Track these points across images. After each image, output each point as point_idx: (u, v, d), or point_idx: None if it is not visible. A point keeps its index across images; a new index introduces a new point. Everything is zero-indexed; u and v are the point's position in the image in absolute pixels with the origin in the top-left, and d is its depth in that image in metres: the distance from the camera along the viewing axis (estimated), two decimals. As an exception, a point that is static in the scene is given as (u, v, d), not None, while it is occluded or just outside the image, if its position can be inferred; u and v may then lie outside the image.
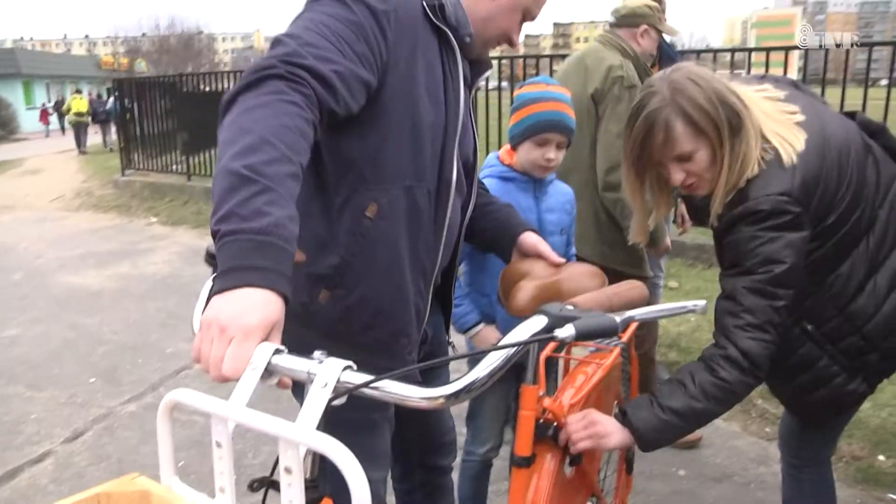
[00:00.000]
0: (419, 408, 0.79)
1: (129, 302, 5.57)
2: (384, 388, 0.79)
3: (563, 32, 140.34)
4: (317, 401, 0.75)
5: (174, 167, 10.59)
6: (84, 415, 3.64)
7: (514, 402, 2.19)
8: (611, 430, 1.50)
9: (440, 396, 0.79)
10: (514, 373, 1.50)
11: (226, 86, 10.09)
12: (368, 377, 0.77)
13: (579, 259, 2.86)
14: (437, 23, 1.39)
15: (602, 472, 2.01)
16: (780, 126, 1.56)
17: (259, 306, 0.87)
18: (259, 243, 0.91)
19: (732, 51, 6.27)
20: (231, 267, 0.90)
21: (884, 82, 5.69)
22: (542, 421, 1.48)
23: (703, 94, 1.50)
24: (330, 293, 1.38)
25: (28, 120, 31.60)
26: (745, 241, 1.52)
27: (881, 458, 2.97)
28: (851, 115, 1.78)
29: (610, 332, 0.87)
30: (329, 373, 0.77)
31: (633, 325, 1.88)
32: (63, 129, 28.40)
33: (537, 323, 0.88)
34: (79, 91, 23.89)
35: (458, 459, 2.35)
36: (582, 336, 0.85)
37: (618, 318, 0.88)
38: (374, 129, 1.32)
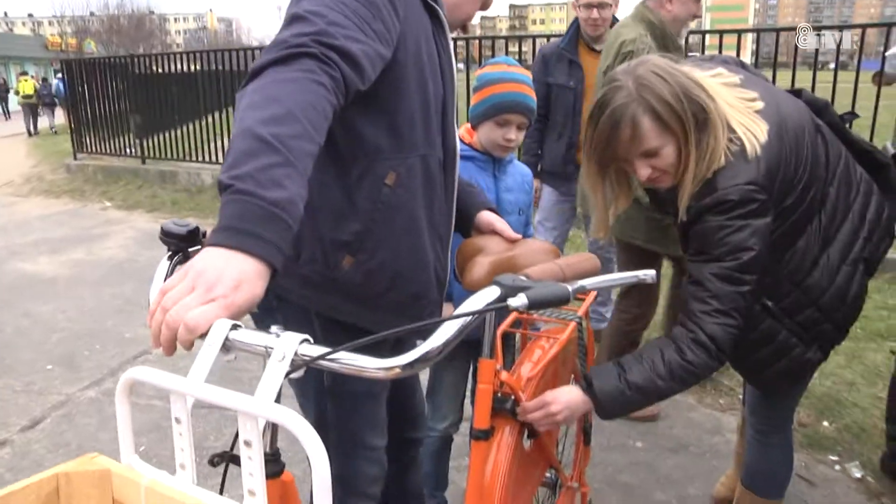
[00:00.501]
0: (377, 378, 0.81)
1: (84, 288, 5.47)
2: (341, 360, 0.80)
3: (519, 14, 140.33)
4: (274, 374, 0.77)
5: (128, 150, 10.37)
6: (42, 402, 3.59)
7: (473, 378, 2.22)
8: (564, 407, 1.56)
9: (395, 366, 0.81)
10: (472, 349, 1.55)
11: (179, 67, 9.88)
12: (325, 349, 0.79)
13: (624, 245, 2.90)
14: (431, 1, 1.45)
15: (560, 444, 2.06)
16: (743, 116, 1.58)
17: (251, 283, 0.86)
18: (270, 214, 0.90)
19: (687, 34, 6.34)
20: (235, 227, 0.89)
21: (832, 66, 5.84)
22: (499, 394, 1.51)
23: (670, 88, 1.49)
24: (353, 258, 1.42)
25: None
26: (713, 231, 1.54)
27: (825, 424, 3.09)
28: (797, 94, 1.83)
29: (562, 300, 0.90)
30: (286, 346, 0.78)
31: (589, 300, 1.93)
32: (7, 113, 27.40)
33: (491, 293, 0.90)
34: (25, 73, 23.16)
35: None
36: (535, 305, 0.88)
37: (570, 287, 0.90)
38: (390, 102, 1.36)
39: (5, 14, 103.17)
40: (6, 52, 38.79)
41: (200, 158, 9.34)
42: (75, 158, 11.01)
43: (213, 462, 0.88)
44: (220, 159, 8.99)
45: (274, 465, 0.89)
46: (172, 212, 8.16)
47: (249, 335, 0.81)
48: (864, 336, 3.91)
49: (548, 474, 1.90)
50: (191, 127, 9.49)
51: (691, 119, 1.50)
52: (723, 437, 3.04)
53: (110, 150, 10.61)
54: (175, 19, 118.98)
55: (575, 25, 3.55)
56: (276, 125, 0.97)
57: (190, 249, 1.10)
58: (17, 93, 20.56)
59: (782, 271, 1.70)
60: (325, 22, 1.13)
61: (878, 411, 3.06)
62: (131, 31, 51.89)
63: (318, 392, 1.58)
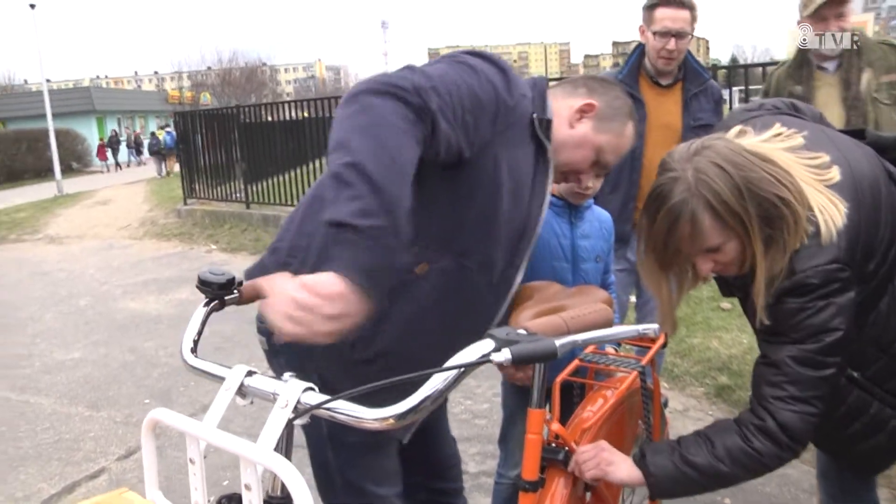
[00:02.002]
0: (371, 428, 0.81)
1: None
2: (338, 409, 0.81)
3: (622, 51, 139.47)
4: (277, 421, 0.78)
5: (234, 196, 10.90)
6: (137, 434, 3.76)
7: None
8: (618, 463, 1.48)
9: (389, 417, 0.81)
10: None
11: (286, 115, 10.37)
12: (324, 398, 0.80)
13: None
14: (540, 136, 1.46)
15: (628, 499, 1.97)
16: (820, 195, 1.42)
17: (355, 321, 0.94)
18: (388, 264, 1.01)
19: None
20: (373, 270, 0.98)
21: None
22: (552, 445, 1.47)
23: (731, 184, 1.35)
24: None
25: (125, 152, 33.14)
26: (791, 314, 1.39)
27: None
28: (860, 135, 1.67)
29: (548, 356, 0.87)
30: (289, 393, 0.80)
31: (655, 348, 1.86)
32: (118, 164, 29.73)
33: (484, 346, 0.89)
34: (162, 127, 26.65)
35: (492, 481, 2.36)
36: (518, 360, 0.85)
37: (557, 342, 0.88)
38: (448, 198, 1.37)
39: (136, 73, 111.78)
40: (133, 107, 41.93)
41: (301, 203, 9.66)
42: (185, 203, 11.67)
43: (220, 503, 0.90)
44: (321, 203, 9.26)
45: (281, 508, 0.90)
46: (272, 254, 8.48)
47: (262, 381, 0.83)
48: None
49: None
50: (294, 173, 9.90)
51: (755, 217, 1.37)
52: (820, 496, 2.84)
53: (217, 196, 11.19)
54: (285, 69, 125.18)
55: (637, 53, 2.99)
56: (394, 175, 1.08)
57: (226, 297, 1.14)
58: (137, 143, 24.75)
59: (865, 337, 1.52)
60: (432, 85, 1.19)
61: None
62: (243, 83, 54.93)
63: (319, 439, 1.56)
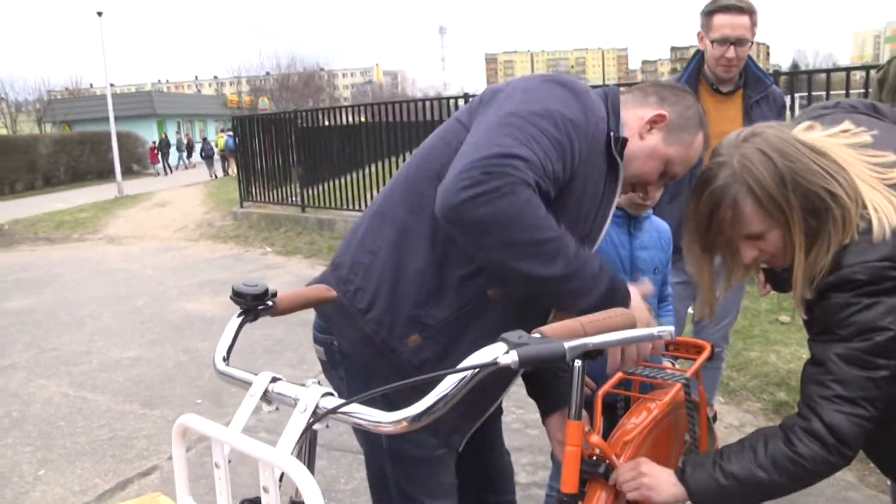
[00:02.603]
0: (385, 432, 0.81)
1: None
2: (353, 413, 0.81)
3: (680, 56, 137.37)
4: (296, 425, 0.78)
5: (290, 199, 11.08)
6: (189, 434, 3.83)
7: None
8: (659, 484, 1.44)
9: (402, 419, 0.81)
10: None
11: (343, 120, 10.49)
12: (340, 401, 0.80)
13: None
14: (615, 154, 1.46)
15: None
16: (875, 192, 1.39)
17: None
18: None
19: (848, 69, 5.93)
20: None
21: None
22: (593, 458, 1.44)
23: (775, 173, 1.35)
24: (421, 340, 1.43)
25: (175, 156, 34.05)
26: (838, 308, 1.35)
27: None
28: None
29: (556, 358, 0.86)
30: (308, 398, 0.80)
31: (701, 360, 1.80)
32: (168, 167, 30.47)
33: (496, 349, 0.87)
34: (223, 131, 27.87)
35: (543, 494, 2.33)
36: (526, 363, 0.84)
37: (567, 344, 0.86)
38: None
39: (196, 77, 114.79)
40: (193, 111, 43.06)
41: (358, 207, 9.80)
42: (241, 206, 11.91)
43: (242, 507, 0.90)
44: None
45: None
46: (328, 258, 8.52)
47: (285, 387, 0.83)
48: None
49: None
50: (350, 177, 10.01)
51: (797, 207, 1.35)
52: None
53: (273, 199, 11.39)
54: (343, 74, 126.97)
55: (696, 60, 2.91)
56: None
57: (260, 308, 1.15)
58: (215, 145, 26.48)
59: None
60: (530, 163, 1.25)
61: None
62: (301, 87, 55.87)
63: (378, 450, 1.58)
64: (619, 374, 1.71)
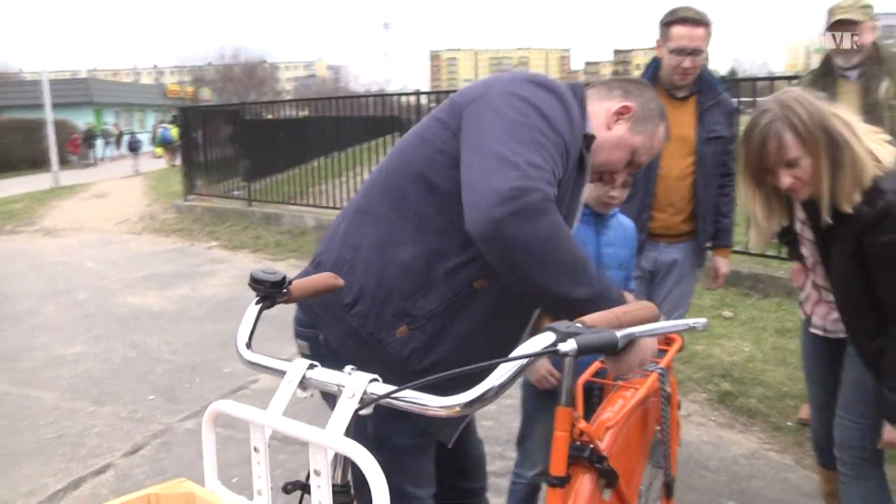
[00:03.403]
0: (438, 416, 0.84)
1: (188, 323, 5.75)
2: (406, 399, 0.84)
3: (623, 59, 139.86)
4: (345, 410, 0.81)
5: (235, 193, 10.91)
6: (143, 430, 3.78)
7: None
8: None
9: (455, 405, 0.84)
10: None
11: (287, 113, 10.42)
12: (391, 388, 0.82)
13: None
14: (583, 151, 1.52)
15: (643, 498, 2.01)
16: (873, 143, 1.82)
17: None
18: None
19: (789, 77, 6.20)
20: None
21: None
22: (577, 443, 1.50)
23: (806, 112, 1.78)
24: (409, 331, 1.46)
25: (101, 146, 32.91)
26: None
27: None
28: None
29: (610, 346, 0.92)
30: (356, 385, 0.82)
31: (672, 351, 1.89)
32: (94, 159, 29.52)
33: (545, 339, 0.92)
34: (173, 120, 27.14)
35: (509, 476, 2.39)
36: (583, 350, 0.89)
37: (618, 334, 0.92)
38: None
39: (134, 66, 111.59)
40: (132, 100, 41.79)
41: (304, 202, 9.72)
42: (185, 199, 11.67)
43: (286, 489, 0.93)
44: (324, 203, 9.35)
45: (343, 496, 0.93)
46: (275, 253, 8.49)
47: (324, 374, 0.86)
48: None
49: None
50: (296, 171, 9.92)
51: (822, 140, 1.76)
52: (821, 501, 2.87)
53: (218, 193, 11.20)
54: (286, 67, 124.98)
55: (653, 67, 3.05)
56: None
57: (277, 296, 1.17)
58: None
59: None
60: (544, 175, 1.29)
61: None
62: (244, 79, 54.82)
63: (363, 439, 1.59)
64: (597, 364, 1.78)
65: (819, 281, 2.21)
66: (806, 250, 2.19)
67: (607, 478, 1.58)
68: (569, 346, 0.89)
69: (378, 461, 1.57)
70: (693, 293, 3.34)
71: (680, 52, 2.85)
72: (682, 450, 2.59)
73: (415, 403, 0.84)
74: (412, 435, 1.54)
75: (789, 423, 3.56)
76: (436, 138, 1.46)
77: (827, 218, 1.80)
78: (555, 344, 0.90)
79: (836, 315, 2.12)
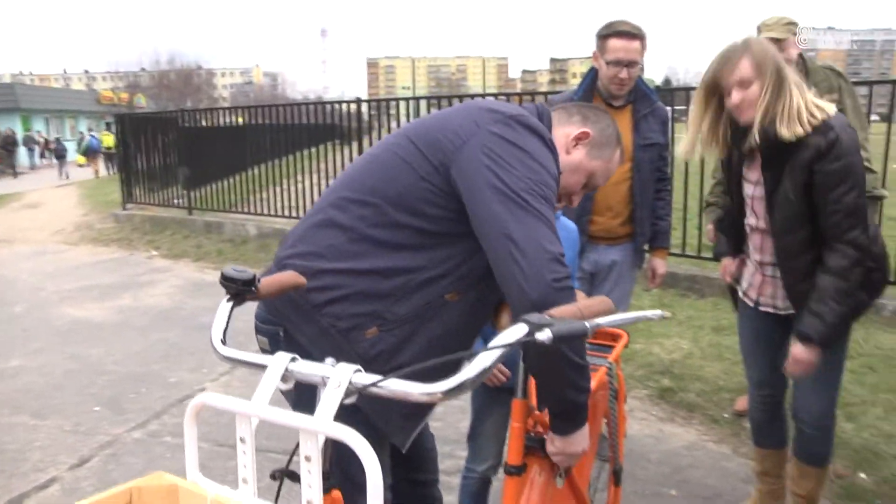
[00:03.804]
0: (420, 402, 0.90)
1: (131, 333, 5.65)
2: (389, 387, 0.90)
3: (559, 68, 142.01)
4: (331, 399, 0.86)
5: (175, 201, 10.73)
6: (89, 442, 3.71)
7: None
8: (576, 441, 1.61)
9: (437, 392, 0.90)
10: (512, 396, 1.63)
11: (226, 121, 10.32)
12: (376, 377, 0.88)
13: None
14: None
15: (592, 488, 2.11)
16: (817, 99, 2.16)
17: None
18: None
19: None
20: None
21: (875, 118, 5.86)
22: (532, 433, 1.58)
23: (766, 50, 2.12)
24: (378, 333, 1.50)
25: (25, 155, 31.77)
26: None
27: (862, 475, 3.07)
28: None
29: (582, 334, 0.99)
30: (341, 375, 0.88)
31: (620, 347, 2.00)
32: (14, 169, 28.57)
33: (520, 329, 0.99)
34: (108, 126, 27.39)
35: (460, 473, 2.45)
36: (558, 339, 0.96)
37: (587, 324, 0.99)
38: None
39: (64, 71, 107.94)
40: (63, 107, 40.41)
41: (245, 210, 9.63)
42: (124, 208, 11.41)
43: (273, 476, 0.98)
44: (265, 211, 9.30)
45: (326, 480, 0.98)
46: (217, 262, 8.39)
47: (307, 366, 0.91)
48: (903, 389, 3.88)
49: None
50: (236, 179, 9.83)
51: (773, 70, 2.09)
52: (757, 481, 3.03)
53: (158, 201, 10.99)
54: (222, 74, 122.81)
55: (590, 77, 3.16)
56: None
57: (246, 293, 1.22)
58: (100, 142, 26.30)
59: None
60: (560, 259, 1.41)
61: (918, 464, 3.03)
62: (180, 86, 53.68)
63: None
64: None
65: (767, 258, 2.38)
66: (753, 210, 2.37)
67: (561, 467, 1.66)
68: (545, 335, 0.96)
69: (336, 455, 1.63)
70: (632, 293, 3.47)
71: (616, 63, 2.96)
72: (625, 443, 2.70)
73: (399, 391, 0.90)
74: (370, 431, 1.59)
75: (726, 416, 3.73)
76: (418, 166, 1.50)
77: (755, 139, 2.13)
78: (531, 333, 0.97)
79: (783, 292, 2.35)
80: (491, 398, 2.23)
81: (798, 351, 2.18)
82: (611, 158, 1.73)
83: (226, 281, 1.21)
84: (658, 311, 1.35)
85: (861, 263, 2.12)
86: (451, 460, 3.16)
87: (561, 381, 1.43)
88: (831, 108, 2.14)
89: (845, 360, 2.50)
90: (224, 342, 1.14)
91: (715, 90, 2.21)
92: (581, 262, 3.15)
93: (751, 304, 2.51)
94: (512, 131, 1.47)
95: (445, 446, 3.38)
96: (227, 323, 1.18)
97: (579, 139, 1.68)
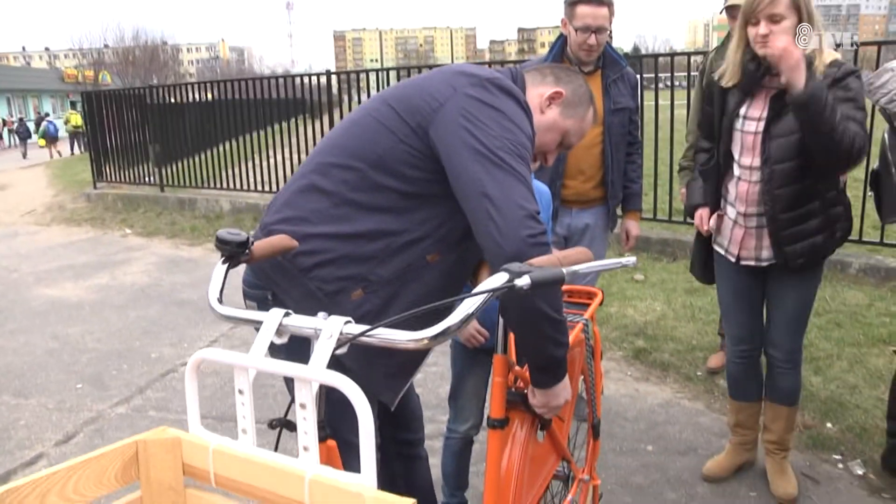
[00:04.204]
0: (408, 349, 0.95)
1: (110, 312, 5.65)
2: (378, 335, 0.95)
3: (527, 38, 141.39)
4: (324, 349, 0.91)
5: (147, 179, 10.62)
6: (74, 419, 3.74)
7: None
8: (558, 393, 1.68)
9: (424, 338, 0.96)
10: (491, 357, 1.69)
11: (195, 97, 10.21)
12: (365, 327, 0.94)
13: None
14: None
15: (572, 443, 2.19)
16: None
17: None
18: None
19: (689, 54, 6.52)
20: None
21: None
22: (513, 388, 1.65)
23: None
24: (363, 294, 1.56)
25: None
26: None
27: (829, 425, 3.20)
28: None
29: (559, 280, 1.05)
30: (333, 327, 0.93)
31: (596, 303, 2.07)
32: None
33: (500, 278, 1.04)
34: (73, 105, 27.83)
35: (442, 437, 2.53)
36: (537, 285, 1.02)
37: (564, 270, 1.05)
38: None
39: (23, 48, 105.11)
40: (23, 86, 39.49)
41: (218, 185, 9.57)
42: (95, 187, 11.27)
43: (271, 425, 1.03)
44: (238, 186, 9.26)
45: (322, 431, 1.04)
46: (192, 238, 8.35)
47: (300, 320, 0.96)
48: (866, 342, 4.02)
49: (560, 467, 2.02)
50: (207, 155, 9.75)
51: (804, 12, 2.25)
52: (730, 433, 3.15)
53: (129, 179, 10.87)
54: (188, 49, 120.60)
55: (560, 43, 3.21)
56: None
57: (241, 255, 1.26)
58: (66, 122, 26.56)
59: None
60: (535, 215, 1.42)
61: (880, 412, 3.17)
62: (146, 62, 52.62)
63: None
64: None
65: (752, 209, 2.49)
66: (750, 148, 2.48)
67: (541, 421, 1.74)
68: (524, 281, 1.02)
69: (327, 416, 1.68)
70: (605, 256, 3.55)
71: (585, 29, 3.00)
72: (602, 403, 2.79)
73: (387, 339, 0.95)
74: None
75: (699, 374, 3.85)
76: (397, 129, 1.54)
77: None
78: (511, 280, 1.03)
79: (766, 242, 2.50)
80: (470, 359, 2.30)
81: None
82: (584, 117, 1.79)
83: (220, 243, 1.24)
84: (632, 258, 1.41)
85: (860, 139, 2.27)
86: (433, 424, 3.23)
87: (540, 337, 1.49)
88: (834, 53, 2.37)
89: (814, 303, 2.66)
90: (221, 301, 1.19)
91: (748, 19, 2.34)
92: (555, 225, 3.22)
93: (732, 260, 2.61)
94: (488, 93, 1.51)
95: (427, 411, 3.42)
96: (223, 284, 1.23)
97: (553, 99, 1.73)
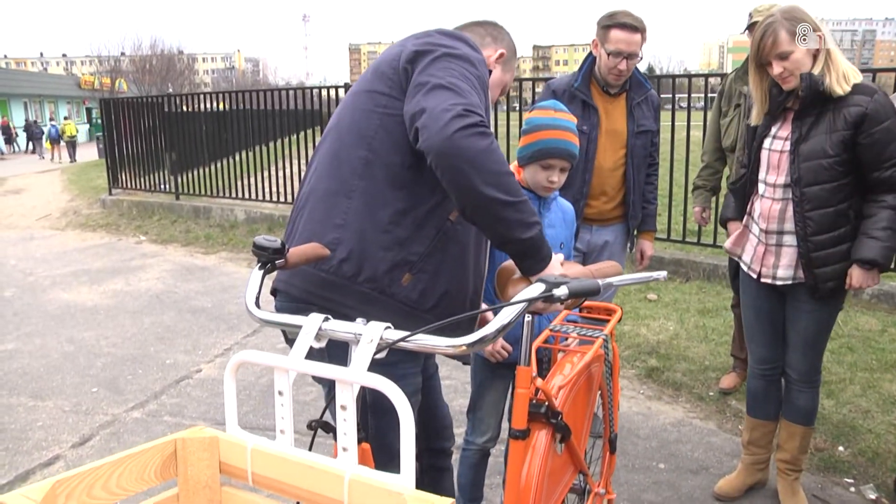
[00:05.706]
0: (446, 354, 0.98)
1: (124, 317, 5.70)
2: (417, 341, 0.98)
3: (542, 55, 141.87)
4: (364, 353, 0.94)
5: (162, 186, 10.71)
6: (90, 422, 3.78)
7: (513, 397, 2.39)
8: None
9: (462, 345, 0.99)
10: (512, 371, 1.71)
11: (211, 107, 10.31)
12: (405, 333, 0.97)
13: None
14: None
15: (588, 455, 2.21)
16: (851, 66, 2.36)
17: None
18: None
19: (707, 75, 6.56)
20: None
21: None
22: (535, 400, 1.68)
23: (797, 18, 2.30)
24: (412, 276, 1.64)
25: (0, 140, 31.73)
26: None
27: (841, 448, 3.20)
28: None
29: (595, 291, 1.08)
30: (373, 332, 0.96)
31: (615, 320, 2.09)
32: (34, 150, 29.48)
33: (537, 288, 1.08)
34: (67, 118, 28.97)
35: (458, 448, 2.55)
36: (574, 294, 1.05)
37: (600, 282, 1.08)
38: None
39: (41, 54, 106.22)
40: (43, 91, 39.91)
41: (233, 195, 9.65)
42: (110, 194, 11.38)
43: (310, 426, 1.06)
44: (253, 196, 9.33)
45: (359, 433, 1.06)
46: (206, 246, 8.42)
47: (340, 325, 0.99)
48: (879, 367, 4.02)
49: (577, 480, 2.04)
50: (223, 164, 9.83)
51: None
52: (743, 451, 3.15)
53: (144, 186, 10.97)
54: (203, 59, 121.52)
55: (589, 63, 3.17)
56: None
57: (277, 261, 1.29)
58: (61, 133, 27.15)
59: None
60: (477, 106, 1.47)
61: (893, 437, 3.17)
62: (162, 71, 53.06)
63: (361, 406, 1.75)
64: (547, 331, 1.96)
65: (772, 226, 2.52)
66: (777, 166, 2.52)
67: (561, 433, 1.76)
68: (562, 291, 1.05)
69: (375, 427, 1.72)
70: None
71: (617, 54, 3.00)
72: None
73: (426, 344, 0.98)
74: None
75: (711, 394, 3.86)
76: (377, 106, 1.64)
77: (800, 91, 2.34)
78: (549, 290, 1.06)
79: (784, 261, 2.52)
80: (491, 372, 2.33)
81: (858, 275, 2.41)
82: (514, 68, 1.94)
83: (258, 249, 1.28)
84: (663, 272, 1.45)
85: None
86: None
87: (504, 224, 1.46)
88: (859, 74, 2.36)
89: (832, 328, 2.69)
90: (258, 306, 1.22)
91: (760, 63, 2.42)
92: (577, 243, 3.23)
93: (753, 276, 2.65)
94: (434, 39, 1.63)
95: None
96: (260, 289, 1.26)
97: (499, 59, 1.88)
